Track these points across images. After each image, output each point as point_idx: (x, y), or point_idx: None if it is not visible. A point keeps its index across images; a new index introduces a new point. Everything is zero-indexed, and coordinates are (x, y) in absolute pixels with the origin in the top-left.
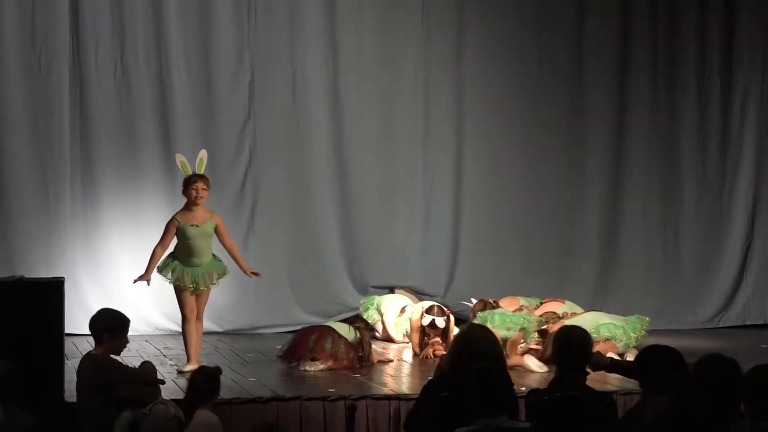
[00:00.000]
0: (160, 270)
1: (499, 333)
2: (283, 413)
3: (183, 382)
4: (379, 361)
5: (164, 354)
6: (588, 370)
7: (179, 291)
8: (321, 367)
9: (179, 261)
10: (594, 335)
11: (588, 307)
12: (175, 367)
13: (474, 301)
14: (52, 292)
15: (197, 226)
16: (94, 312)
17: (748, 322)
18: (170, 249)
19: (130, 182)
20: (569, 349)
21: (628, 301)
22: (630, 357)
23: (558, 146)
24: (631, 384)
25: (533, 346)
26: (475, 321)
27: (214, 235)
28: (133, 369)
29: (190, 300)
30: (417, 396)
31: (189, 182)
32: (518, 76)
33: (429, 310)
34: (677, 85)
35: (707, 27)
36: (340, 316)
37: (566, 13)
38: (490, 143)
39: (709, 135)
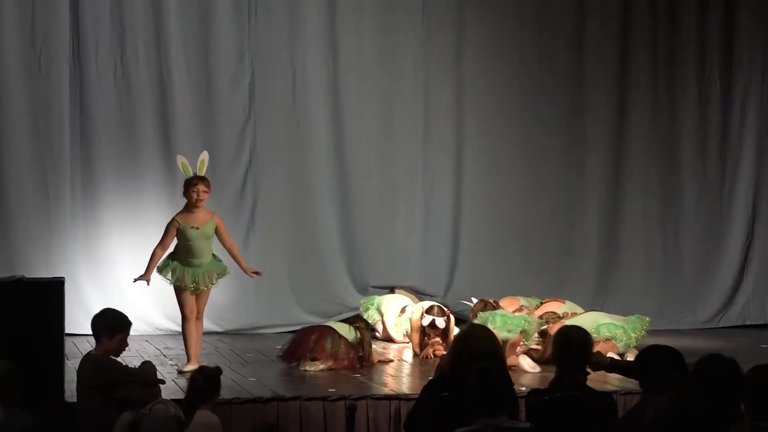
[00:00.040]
0: (160, 270)
1: (500, 334)
2: (283, 413)
3: (183, 382)
4: (380, 361)
5: (164, 354)
6: (588, 370)
7: (179, 291)
8: (321, 367)
9: (179, 261)
10: (594, 335)
11: (588, 307)
12: (175, 367)
13: (474, 300)
14: (52, 292)
15: (197, 228)
16: (94, 312)
17: (748, 322)
18: (170, 249)
19: (130, 182)
20: (569, 349)
21: (628, 301)
22: (630, 357)
23: (558, 146)
24: (631, 384)
25: (533, 346)
26: (476, 321)
27: (214, 236)
28: (133, 369)
29: (190, 300)
30: (417, 396)
31: (190, 184)
32: (518, 76)
33: (429, 310)
34: (677, 85)
35: (707, 27)
36: (340, 316)
37: (566, 13)
38: (490, 143)
39: (709, 135)
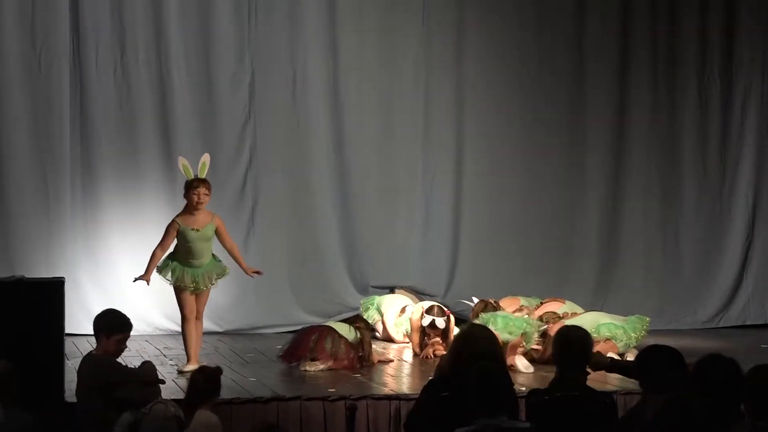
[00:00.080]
0: (160, 270)
1: (501, 336)
2: (284, 413)
3: (183, 382)
4: (380, 361)
5: (164, 354)
6: (588, 370)
7: (179, 291)
8: (321, 367)
9: (178, 262)
10: (594, 335)
11: (588, 307)
12: (175, 367)
13: (476, 300)
14: (52, 292)
15: (198, 230)
16: (93, 312)
17: (748, 322)
18: (170, 250)
19: (130, 182)
20: (569, 349)
21: (628, 301)
22: (630, 357)
23: (558, 146)
24: (631, 384)
25: (534, 347)
26: (477, 321)
27: (214, 237)
28: (133, 369)
29: (190, 300)
30: (417, 396)
31: (191, 186)
32: (518, 76)
33: (429, 310)
34: (677, 85)
35: (707, 27)
36: (340, 316)
37: (566, 13)
38: (490, 143)
39: (709, 135)
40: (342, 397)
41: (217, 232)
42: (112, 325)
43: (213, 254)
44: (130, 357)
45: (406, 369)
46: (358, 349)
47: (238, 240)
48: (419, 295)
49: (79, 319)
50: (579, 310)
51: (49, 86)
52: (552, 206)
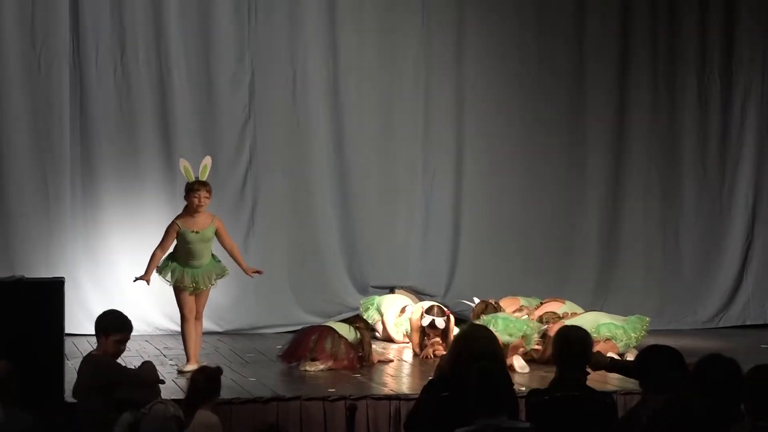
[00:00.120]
0: (159, 271)
1: (501, 338)
2: (283, 413)
3: (183, 382)
4: (379, 361)
5: (164, 354)
6: (588, 370)
7: (178, 291)
8: (321, 367)
9: (178, 263)
10: (594, 335)
11: (588, 307)
12: (175, 367)
13: (477, 301)
14: (52, 292)
15: (197, 232)
16: (93, 312)
17: (748, 322)
18: (170, 250)
19: (130, 182)
20: (569, 349)
21: (628, 301)
22: (630, 357)
23: (558, 146)
24: (631, 384)
25: (533, 347)
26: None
27: (214, 237)
28: (133, 370)
29: (189, 300)
30: (417, 396)
31: (191, 189)
32: (518, 76)
33: (429, 311)
34: (677, 85)
35: (707, 27)
36: (340, 316)
37: (566, 13)
38: (490, 143)
39: (709, 135)
40: (342, 397)
41: (217, 234)
42: (111, 325)
43: (213, 254)
44: (130, 357)
45: (406, 369)
46: (358, 349)
47: (238, 240)
48: (419, 295)
49: (79, 319)
50: (579, 310)
51: (49, 86)
52: (552, 206)
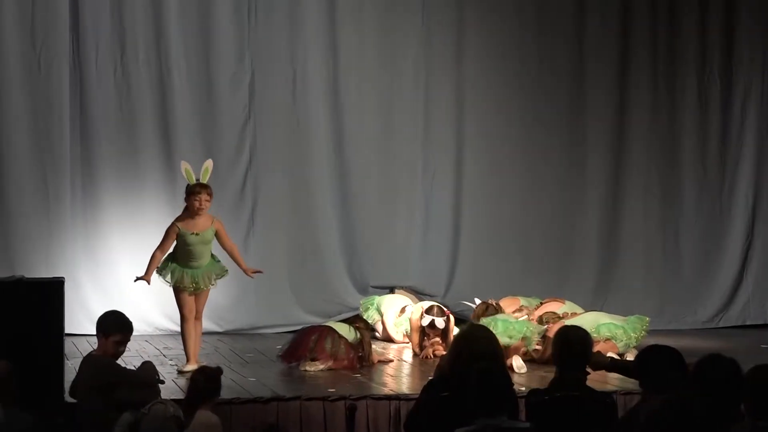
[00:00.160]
0: (159, 272)
1: (501, 340)
2: (283, 413)
3: (183, 382)
4: (379, 361)
5: (164, 354)
6: (588, 370)
7: (178, 291)
8: (321, 367)
9: (178, 263)
10: (594, 335)
11: (588, 307)
12: (175, 367)
13: (477, 301)
14: (52, 292)
15: (197, 233)
16: (93, 312)
17: (748, 322)
18: (169, 251)
19: (130, 182)
20: (569, 349)
21: (628, 301)
22: (630, 357)
23: (558, 146)
24: (631, 384)
25: (534, 347)
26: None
27: (214, 238)
28: (133, 371)
29: (189, 300)
30: (417, 396)
31: (192, 192)
32: (518, 76)
33: (429, 311)
34: (677, 85)
35: (707, 27)
36: (340, 316)
37: (566, 13)
38: (490, 143)
39: (709, 135)
40: (342, 397)
41: (217, 235)
42: (111, 326)
43: (212, 255)
44: (130, 357)
45: (406, 369)
46: (358, 349)
47: (238, 240)
48: (419, 295)
49: (79, 319)
50: (579, 310)
51: (49, 86)
52: (552, 206)
